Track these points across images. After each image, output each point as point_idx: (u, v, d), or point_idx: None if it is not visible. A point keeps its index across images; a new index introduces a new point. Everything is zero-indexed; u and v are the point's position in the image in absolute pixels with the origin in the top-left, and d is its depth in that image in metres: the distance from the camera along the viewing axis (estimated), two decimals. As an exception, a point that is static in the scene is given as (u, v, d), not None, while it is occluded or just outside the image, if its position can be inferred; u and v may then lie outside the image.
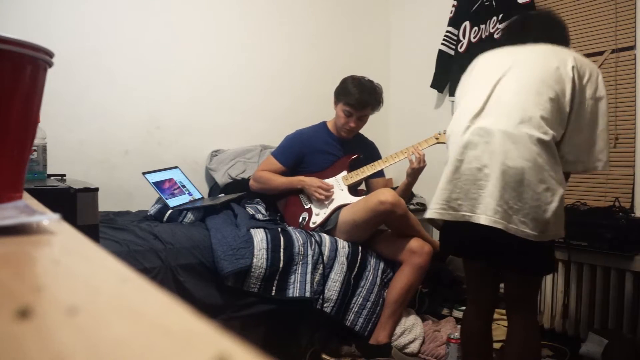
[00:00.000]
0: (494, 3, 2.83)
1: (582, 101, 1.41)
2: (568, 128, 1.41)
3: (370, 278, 2.20)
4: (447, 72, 3.07)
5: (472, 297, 1.70)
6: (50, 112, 1.55)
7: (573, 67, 1.40)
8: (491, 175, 1.37)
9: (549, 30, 1.54)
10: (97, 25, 2.53)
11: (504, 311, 2.51)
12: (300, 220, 2.35)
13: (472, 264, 1.64)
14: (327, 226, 2.29)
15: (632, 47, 2.27)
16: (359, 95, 2.31)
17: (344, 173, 2.42)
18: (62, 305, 0.24)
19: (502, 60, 1.52)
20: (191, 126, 2.81)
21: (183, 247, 1.96)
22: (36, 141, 1.38)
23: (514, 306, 1.54)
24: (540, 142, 1.35)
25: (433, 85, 3.15)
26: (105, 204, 1.93)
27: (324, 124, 2.54)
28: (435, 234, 3.07)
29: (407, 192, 2.43)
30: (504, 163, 1.35)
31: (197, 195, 2.55)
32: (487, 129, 1.40)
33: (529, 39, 1.52)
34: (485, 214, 1.38)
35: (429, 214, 1.52)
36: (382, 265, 2.27)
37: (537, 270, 1.52)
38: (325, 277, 2.11)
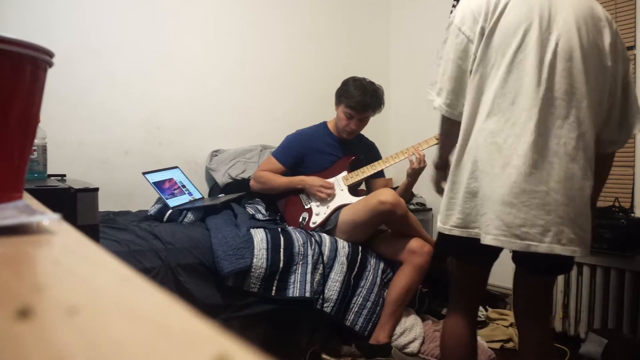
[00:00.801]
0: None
1: (616, 79, 1.32)
2: (608, 114, 1.34)
3: (370, 278, 2.20)
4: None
5: (464, 303, 1.48)
6: (50, 112, 1.55)
7: (613, 39, 1.27)
8: (559, 200, 1.23)
9: None
10: (98, 25, 2.54)
11: (504, 311, 2.52)
12: (300, 220, 2.34)
13: (480, 269, 1.48)
14: (327, 226, 2.29)
15: (632, 47, 2.27)
16: (361, 98, 2.31)
17: (344, 173, 2.42)
18: (62, 305, 0.24)
19: (543, 23, 1.24)
20: (191, 126, 2.82)
21: (183, 247, 1.96)
22: (36, 141, 1.38)
23: (534, 308, 1.45)
24: (590, 159, 1.28)
25: (433, 85, 3.15)
26: (105, 204, 1.93)
27: (324, 124, 2.54)
28: (435, 235, 3.09)
29: (407, 192, 2.43)
30: (572, 187, 1.24)
31: (197, 195, 2.55)
32: (549, 147, 1.24)
33: None
34: (560, 244, 1.24)
35: (488, 241, 1.26)
36: (382, 265, 2.27)
37: (566, 270, 1.48)
38: (325, 277, 2.10)
